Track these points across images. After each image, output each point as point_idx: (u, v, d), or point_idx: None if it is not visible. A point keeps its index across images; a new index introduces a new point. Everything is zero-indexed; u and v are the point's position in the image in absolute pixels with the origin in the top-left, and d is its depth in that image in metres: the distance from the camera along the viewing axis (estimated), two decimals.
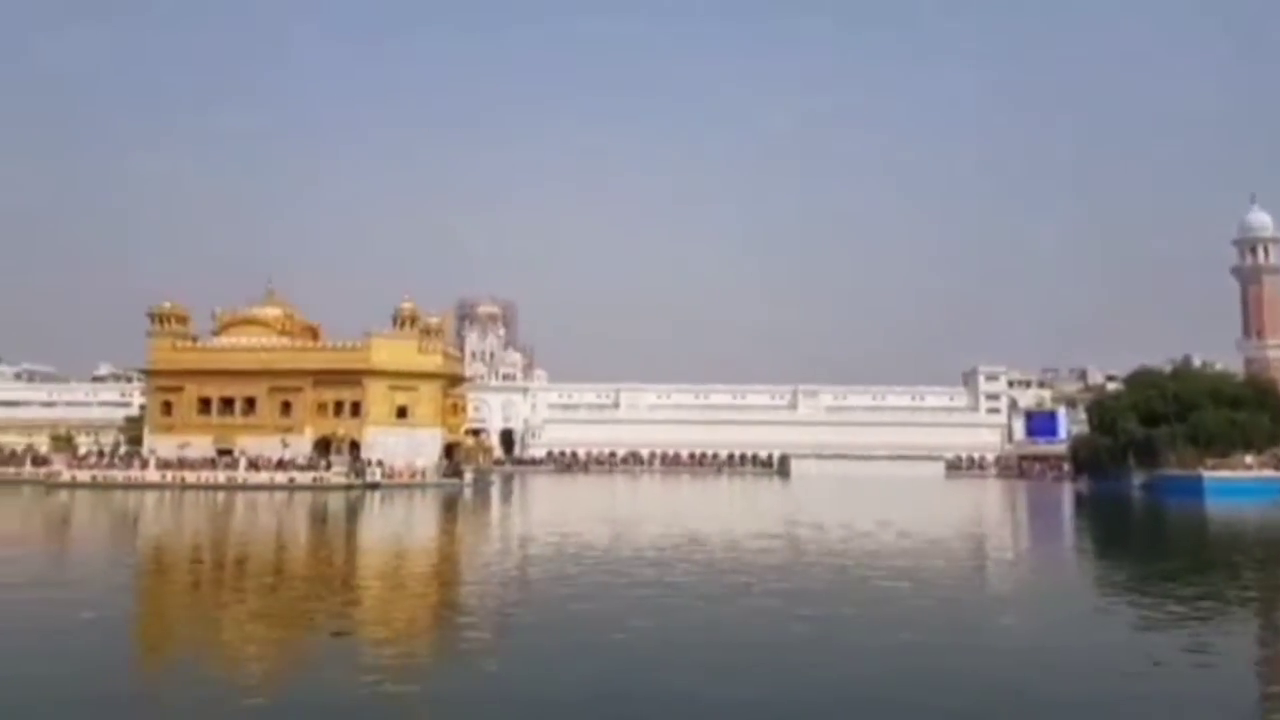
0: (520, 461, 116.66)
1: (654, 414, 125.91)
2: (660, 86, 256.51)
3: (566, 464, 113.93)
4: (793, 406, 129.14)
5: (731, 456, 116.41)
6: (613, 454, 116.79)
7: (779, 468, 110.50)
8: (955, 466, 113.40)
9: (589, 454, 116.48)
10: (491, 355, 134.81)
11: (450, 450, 73.27)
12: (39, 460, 67.49)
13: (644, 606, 17.86)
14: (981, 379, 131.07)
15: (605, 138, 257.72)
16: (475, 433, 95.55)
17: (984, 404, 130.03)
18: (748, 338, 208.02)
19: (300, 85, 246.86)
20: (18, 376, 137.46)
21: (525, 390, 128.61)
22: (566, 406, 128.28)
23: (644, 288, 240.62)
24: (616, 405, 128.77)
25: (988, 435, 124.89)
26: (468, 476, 68.80)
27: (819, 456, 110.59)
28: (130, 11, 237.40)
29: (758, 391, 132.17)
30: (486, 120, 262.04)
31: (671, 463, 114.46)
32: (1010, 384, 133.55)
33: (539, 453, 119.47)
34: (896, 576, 21.93)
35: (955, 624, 16.58)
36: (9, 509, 45.13)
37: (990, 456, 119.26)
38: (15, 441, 74.91)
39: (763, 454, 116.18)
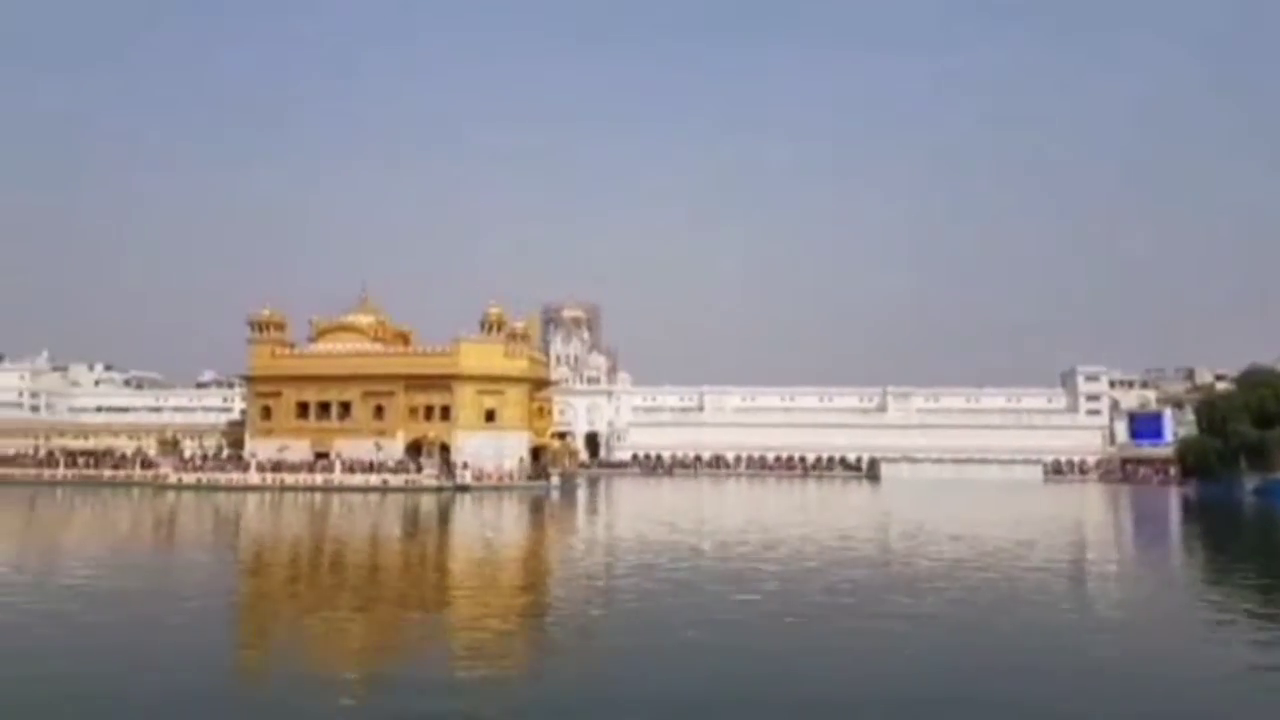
0: (605, 464, 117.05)
1: (739, 417, 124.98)
2: (736, 90, 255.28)
3: (651, 467, 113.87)
4: (882, 409, 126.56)
5: (819, 460, 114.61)
6: (697, 457, 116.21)
7: (868, 472, 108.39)
8: (1054, 470, 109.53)
9: (673, 457, 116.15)
10: (576, 359, 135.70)
11: (537, 453, 73.90)
12: (148, 463, 70.42)
13: (726, 610, 17.58)
14: (1081, 379, 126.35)
15: (686, 140, 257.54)
16: (561, 436, 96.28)
17: (1084, 405, 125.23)
18: (834, 339, 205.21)
19: (385, 91, 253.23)
20: (127, 383, 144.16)
21: (609, 393, 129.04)
22: (650, 410, 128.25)
23: (727, 289, 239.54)
24: (700, 408, 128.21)
25: (1088, 438, 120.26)
26: (554, 479, 69.29)
27: (910, 460, 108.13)
28: (258, 20, 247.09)
29: (846, 394, 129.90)
30: (572, 126, 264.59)
31: (757, 466, 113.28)
32: (1111, 384, 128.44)
33: (624, 456, 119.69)
34: (996, 591, 21.09)
35: (1054, 645, 15.79)
36: (121, 509, 47.13)
37: (1091, 460, 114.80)
38: (125, 445, 78.32)
39: (851, 458, 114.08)
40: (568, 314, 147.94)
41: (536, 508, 50.15)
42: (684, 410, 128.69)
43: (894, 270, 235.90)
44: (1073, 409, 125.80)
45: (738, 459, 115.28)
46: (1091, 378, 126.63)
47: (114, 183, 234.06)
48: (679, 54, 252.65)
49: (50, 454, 75.23)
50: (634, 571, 23.70)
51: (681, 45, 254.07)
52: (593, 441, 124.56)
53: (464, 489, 62.33)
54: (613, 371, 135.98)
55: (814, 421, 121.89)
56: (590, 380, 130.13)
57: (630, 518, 47.27)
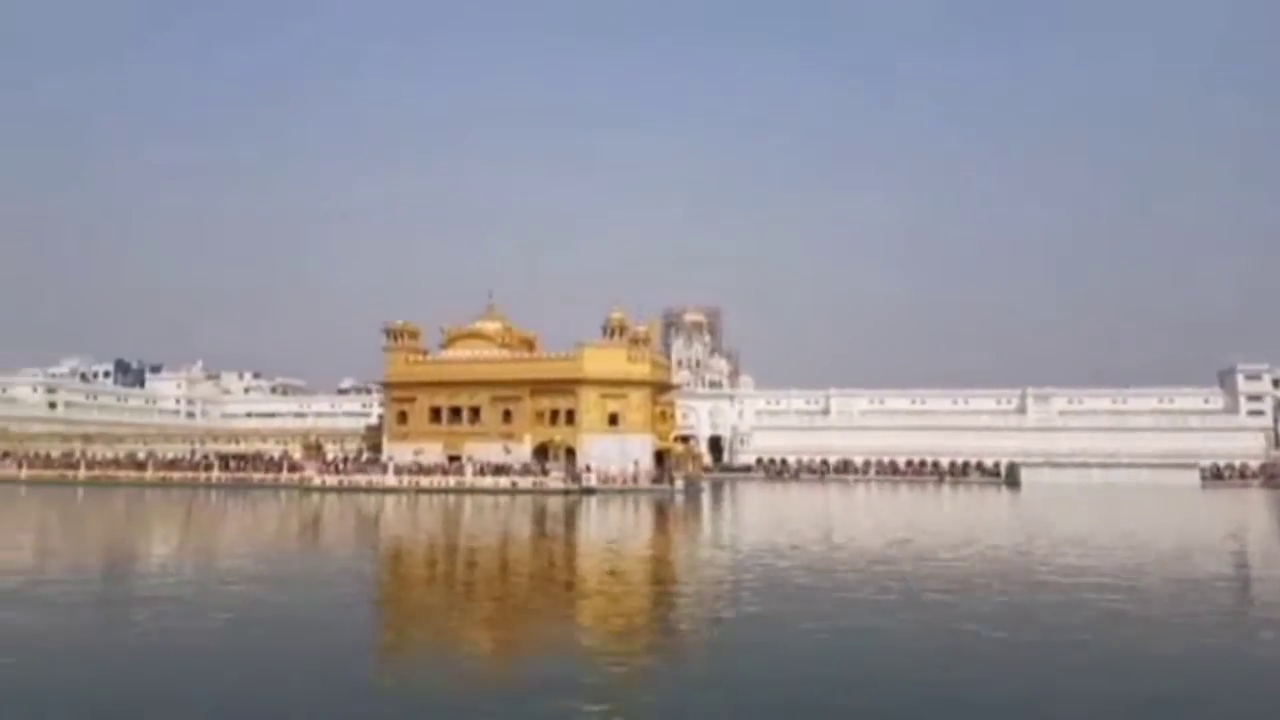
0: (729, 469, 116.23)
1: (867, 420, 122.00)
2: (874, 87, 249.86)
3: (776, 471, 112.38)
4: (1021, 411, 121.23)
5: (953, 465, 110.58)
6: (824, 462, 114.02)
7: (1007, 477, 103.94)
8: (1212, 475, 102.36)
9: (799, 462, 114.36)
10: (698, 362, 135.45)
11: (661, 457, 73.98)
12: (293, 466, 73.95)
13: (859, 617, 17.00)
14: (1241, 378, 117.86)
15: (808, 138, 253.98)
16: (684, 439, 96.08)
17: (1244, 405, 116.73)
18: (969, 339, 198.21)
19: (502, 93, 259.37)
20: (274, 390, 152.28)
21: (732, 397, 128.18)
22: (774, 413, 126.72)
23: (851, 290, 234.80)
24: (826, 411, 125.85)
25: (1249, 440, 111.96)
26: (678, 483, 69.14)
27: (1052, 464, 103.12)
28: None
29: (981, 395, 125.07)
30: (691, 130, 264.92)
31: (887, 471, 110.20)
32: (1275, 383, 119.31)
33: (748, 460, 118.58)
34: (1159, 610, 19.66)
35: (1220, 674, 14.51)
36: (270, 510, 49.55)
37: (1254, 464, 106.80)
38: (273, 449, 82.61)
39: (988, 462, 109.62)
40: (689, 318, 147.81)
41: (661, 511, 50.11)
42: (809, 413, 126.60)
43: (1032, 268, 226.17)
44: (1232, 409, 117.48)
45: (866, 464, 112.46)
46: (1253, 376, 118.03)
47: (256, 195, 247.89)
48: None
49: (205, 457, 79.98)
50: (762, 575, 23.27)
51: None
52: (716, 445, 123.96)
53: (589, 492, 62.98)
54: (735, 375, 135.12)
55: (947, 424, 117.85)
56: (712, 384, 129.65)
57: (756, 522, 46.67)
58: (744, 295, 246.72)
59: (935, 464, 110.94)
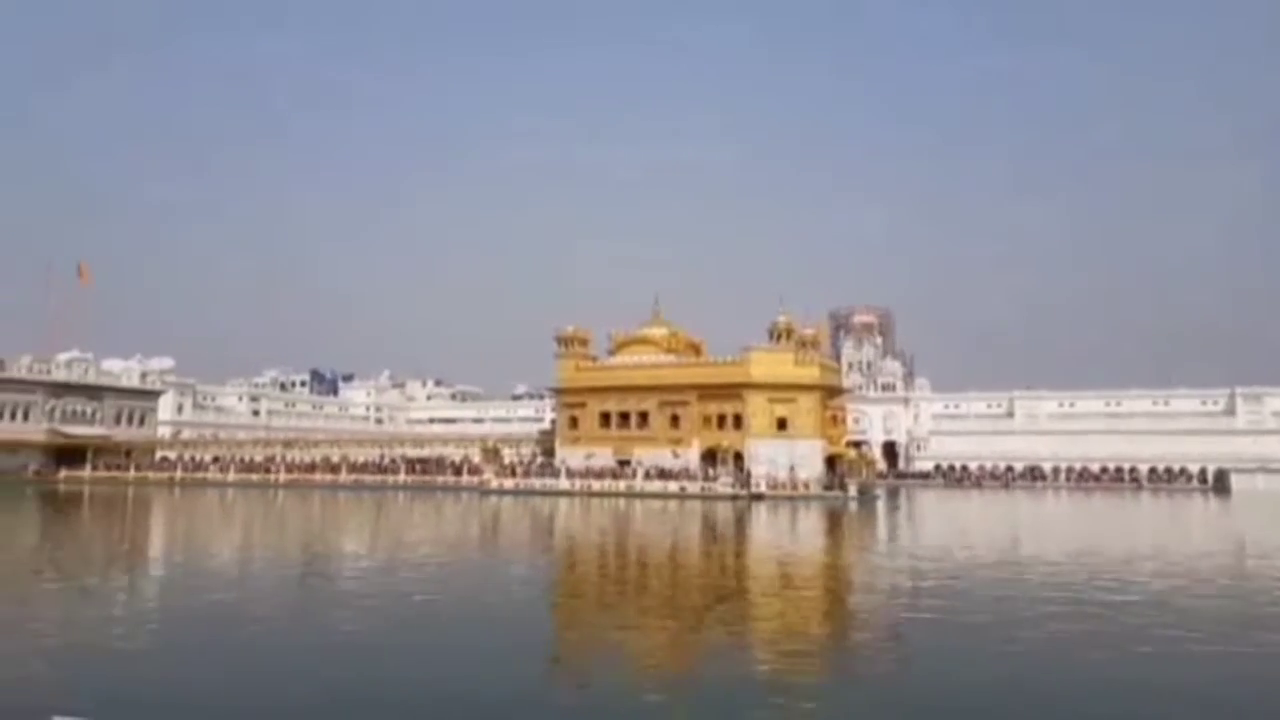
0: (905, 475, 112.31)
1: (1055, 424, 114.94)
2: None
3: (956, 478, 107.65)
4: (1230, 412, 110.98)
5: (1154, 471, 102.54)
6: (1008, 468, 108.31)
7: (1215, 484, 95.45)
8: None
9: (980, 468, 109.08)
10: (869, 365, 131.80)
11: (832, 462, 72.23)
12: (473, 470, 76.90)
13: (1045, 633, 15.76)
14: None
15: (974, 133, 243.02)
16: (857, 445, 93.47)
17: None
18: (1169, 336, 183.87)
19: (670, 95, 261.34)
20: (453, 397, 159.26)
21: (906, 400, 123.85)
22: (953, 416, 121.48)
23: (1034, 286, 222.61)
24: (1010, 414, 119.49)
25: None
26: (851, 489, 67.23)
27: (1267, 470, 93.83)
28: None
29: (1184, 396, 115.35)
30: (846, 132, 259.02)
31: (1078, 478, 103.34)
32: None
33: (925, 466, 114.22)
34: None
35: None
36: (453, 512, 51.59)
37: None
38: (454, 453, 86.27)
39: (1193, 468, 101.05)
40: (858, 319, 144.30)
41: (834, 518, 48.80)
42: (991, 417, 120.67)
43: (1236, 257, 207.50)
44: None
45: (1055, 470, 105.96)
46: None
47: (426, 211, 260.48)
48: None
49: (392, 461, 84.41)
50: (943, 586, 22.07)
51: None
52: (890, 451, 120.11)
53: (758, 497, 62.21)
54: (909, 377, 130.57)
55: (1146, 428, 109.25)
56: (885, 387, 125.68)
57: (936, 531, 44.65)
58: (917, 295, 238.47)
59: (1132, 470, 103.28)
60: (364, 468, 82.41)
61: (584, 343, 79.76)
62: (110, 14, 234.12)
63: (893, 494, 79.87)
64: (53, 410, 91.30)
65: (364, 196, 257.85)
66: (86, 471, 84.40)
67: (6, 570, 25.56)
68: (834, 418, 76.36)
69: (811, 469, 68.20)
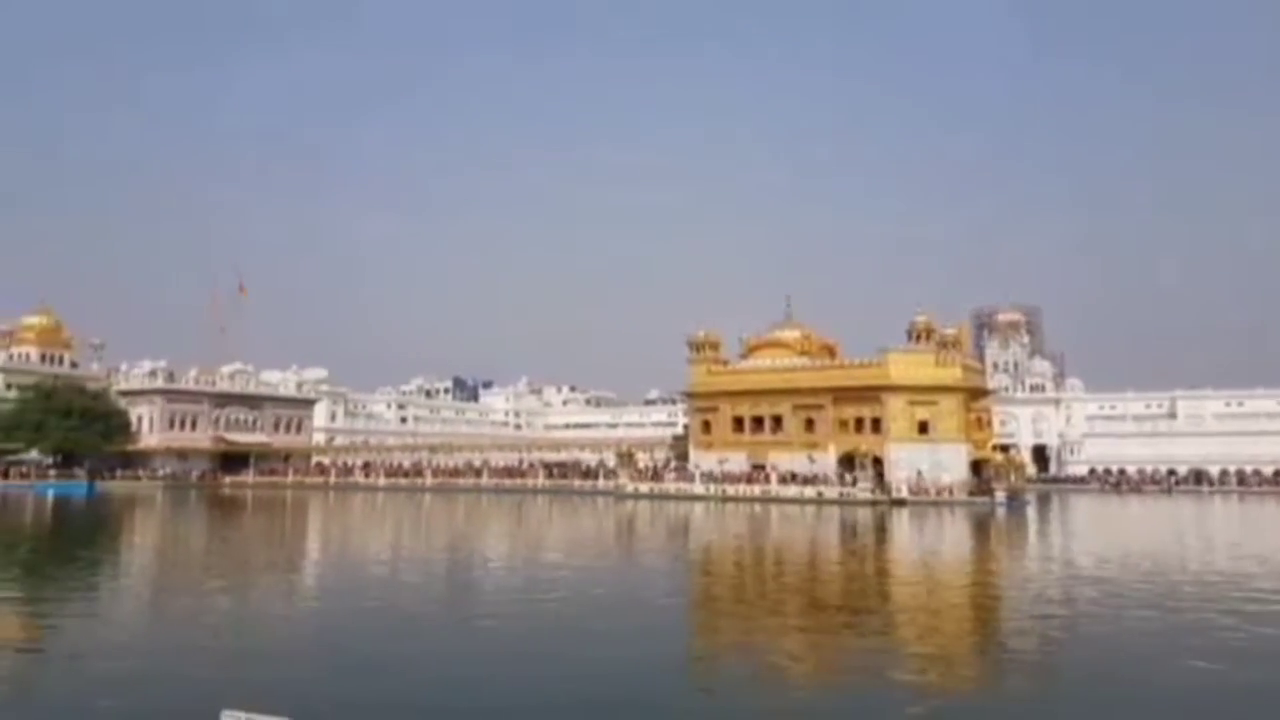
0: (1056, 480, 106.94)
1: (1222, 425, 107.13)
2: None
3: (1113, 483, 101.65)
4: None
5: None
6: (1170, 472, 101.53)
7: None
8: None
9: (1140, 472, 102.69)
10: (1015, 365, 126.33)
11: (977, 467, 69.41)
12: (609, 473, 77.80)
13: (1214, 658, 14.47)
14: None
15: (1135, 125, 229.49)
16: (1004, 448, 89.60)
17: None
18: None
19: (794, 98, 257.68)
20: (588, 402, 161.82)
21: (1057, 401, 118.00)
22: (1109, 418, 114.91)
23: (1191, 282, 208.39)
24: (1173, 415, 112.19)
25: None
26: (999, 495, 64.37)
27: None
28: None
29: None
30: (985, 124, 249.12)
31: (1252, 483, 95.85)
32: None
33: (1078, 470, 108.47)
34: None
35: None
36: (589, 515, 52.27)
37: None
38: (589, 457, 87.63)
39: None
40: (1002, 318, 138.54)
41: (980, 525, 46.80)
42: (1150, 418, 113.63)
43: None
44: None
45: (1224, 474, 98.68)
46: None
47: (561, 219, 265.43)
48: None
49: (531, 465, 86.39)
50: (1100, 599, 20.74)
51: None
52: (1040, 454, 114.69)
53: (899, 503, 60.37)
54: (1059, 377, 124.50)
55: None
56: (1034, 388, 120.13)
57: (1092, 538, 42.26)
58: (1066, 292, 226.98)
59: None
60: (504, 472, 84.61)
61: (715, 346, 79.49)
62: (265, 16, 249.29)
63: (1044, 500, 76.08)
64: (218, 419, 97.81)
65: (500, 207, 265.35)
66: (249, 476, 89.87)
67: (179, 569, 27.39)
68: (979, 420, 73.44)
69: (955, 474, 65.72)
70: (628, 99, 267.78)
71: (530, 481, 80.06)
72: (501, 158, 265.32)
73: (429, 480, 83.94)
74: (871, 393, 69.57)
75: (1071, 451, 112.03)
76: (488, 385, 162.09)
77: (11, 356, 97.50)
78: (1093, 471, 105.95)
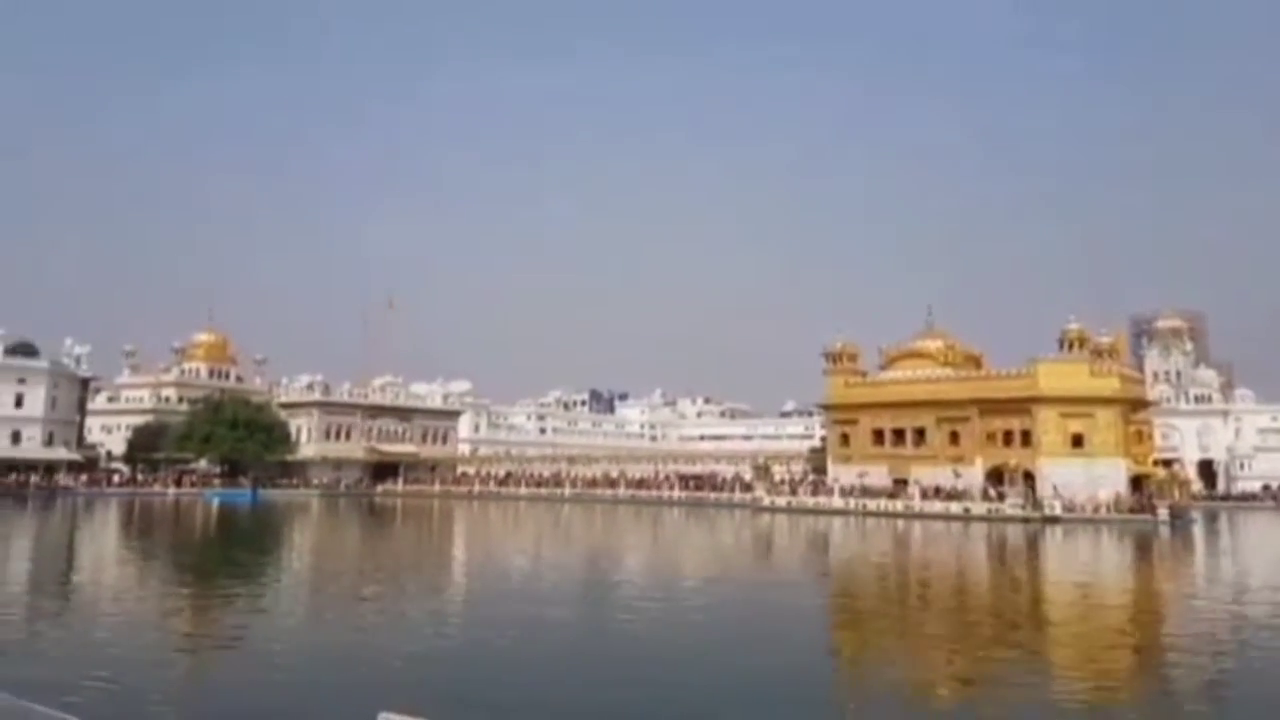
0: (1225, 497, 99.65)
1: None
2: None
3: None
4: None
5: None
6: None
7: None
8: None
9: None
10: (1178, 375, 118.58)
11: (1137, 483, 65.55)
12: (745, 486, 77.42)
13: None
14: None
15: None
16: (1166, 463, 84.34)
17: None
18: None
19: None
20: (723, 414, 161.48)
21: (1225, 413, 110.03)
22: None
23: None
24: None
25: None
26: (1161, 513, 60.61)
27: None
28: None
29: None
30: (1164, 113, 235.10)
31: None
32: None
33: (1249, 486, 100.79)
34: None
35: None
36: (726, 528, 52.22)
37: None
38: (725, 470, 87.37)
39: None
40: (1163, 324, 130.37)
41: (1141, 544, 44.22)
42: None
43: None
44: None
45: None
46: None
47: (692, 234, 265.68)
48: None
49: (666, 477, 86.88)
50: (1275, 626, 19.30)
51: None
52: (1207, 470, 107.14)
53: (1052, 520, 57.65)
54: (1227, 388, 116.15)
55: None
56: (1199, 399, 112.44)
57: (1266, 560, 39.38)
58: (1233, 298, 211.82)
59: None
60: (640, 483, 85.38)
61: (853, 358, 78.04)
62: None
63: (1211, 518, 71.15)
64: (369, 430, 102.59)
65: (632, 222, 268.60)
66: (399, 485, 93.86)
67: (340, 574, 28.97)
68: (1138, 433, 69.39)
69: (1112, 489, 62.28)
70: (757, 108, 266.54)
71: (666, 493, 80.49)
72: (630, 176, 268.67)
73: (568, 490, 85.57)
74: (1021, 404, 66.76)
75: (1241, 467, 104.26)
76: (623, 397, 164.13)
77: (183, 372, 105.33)
78: (1266, 488, 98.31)
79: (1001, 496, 62.38)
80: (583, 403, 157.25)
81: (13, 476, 75.98)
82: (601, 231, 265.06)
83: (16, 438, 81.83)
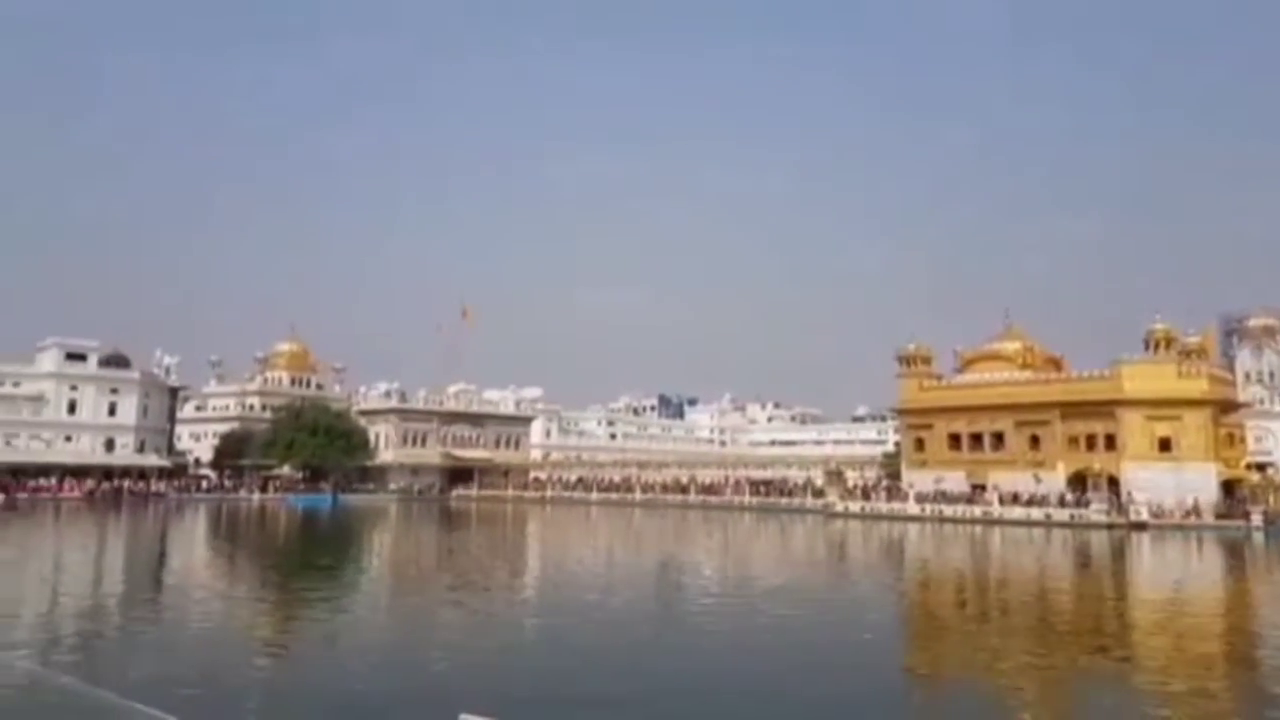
0: None
1: None
2: None
3: None
4: None
5: None
6: None
7: None
8: None
9: None
10: (1272, 375, 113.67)
11: (1229, 488, 63.04)
12: (816, 492, 76.65)
13: None
14: None
15: None
16: (1260, 468, 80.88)
17: None
18: None
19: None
20: (793, 419, 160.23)
21: None
22: None
23: None
24: None
25: None
26: (1254, 519, 58.18)
27: None
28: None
29: None
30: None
31: None
32: None
33: None
34: None
35: None
36: (799, 534, 51.77)
37: None
38: (796, 475, 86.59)
39: None
40: (1255, 323, 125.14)
41: (1234, 552, 42.56)
42: None
43: None
44: None
45: None
46: None
47: (783, 228, 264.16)
48: None
49: (736, 482, 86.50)
50: None
51: None
52: None
53: (1139, 527, 55.77)
54: None
55: None
56: None
57: None
58: None
59: None
60: (710, 489, 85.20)
61: (927, 361, 76.69)
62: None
63: None
64: (445, 436, 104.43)
65: (700, 224, 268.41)
66: (474, 490, 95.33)
67: (418, 576, 29.55)
68: (1230, 437, 66.78)
69: (1203, 495, 59.99)
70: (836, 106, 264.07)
71: (737, 499, 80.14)
72: (703, 177, 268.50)
73: (638, 495, 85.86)
74: (1104, 407, 64.77)
75: None
76: (692, 402, 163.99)
77: (266, 380, 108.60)
78: None
79: (1085, 502, 60.64)
80: (652, 408, 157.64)
81: (108, 482, 79.40)
82: (669, 235, 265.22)
83: (111, 445, 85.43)
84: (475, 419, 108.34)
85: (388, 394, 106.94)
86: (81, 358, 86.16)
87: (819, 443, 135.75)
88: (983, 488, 66.68)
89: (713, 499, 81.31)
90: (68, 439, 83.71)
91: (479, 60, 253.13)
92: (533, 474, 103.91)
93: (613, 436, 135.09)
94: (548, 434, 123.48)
